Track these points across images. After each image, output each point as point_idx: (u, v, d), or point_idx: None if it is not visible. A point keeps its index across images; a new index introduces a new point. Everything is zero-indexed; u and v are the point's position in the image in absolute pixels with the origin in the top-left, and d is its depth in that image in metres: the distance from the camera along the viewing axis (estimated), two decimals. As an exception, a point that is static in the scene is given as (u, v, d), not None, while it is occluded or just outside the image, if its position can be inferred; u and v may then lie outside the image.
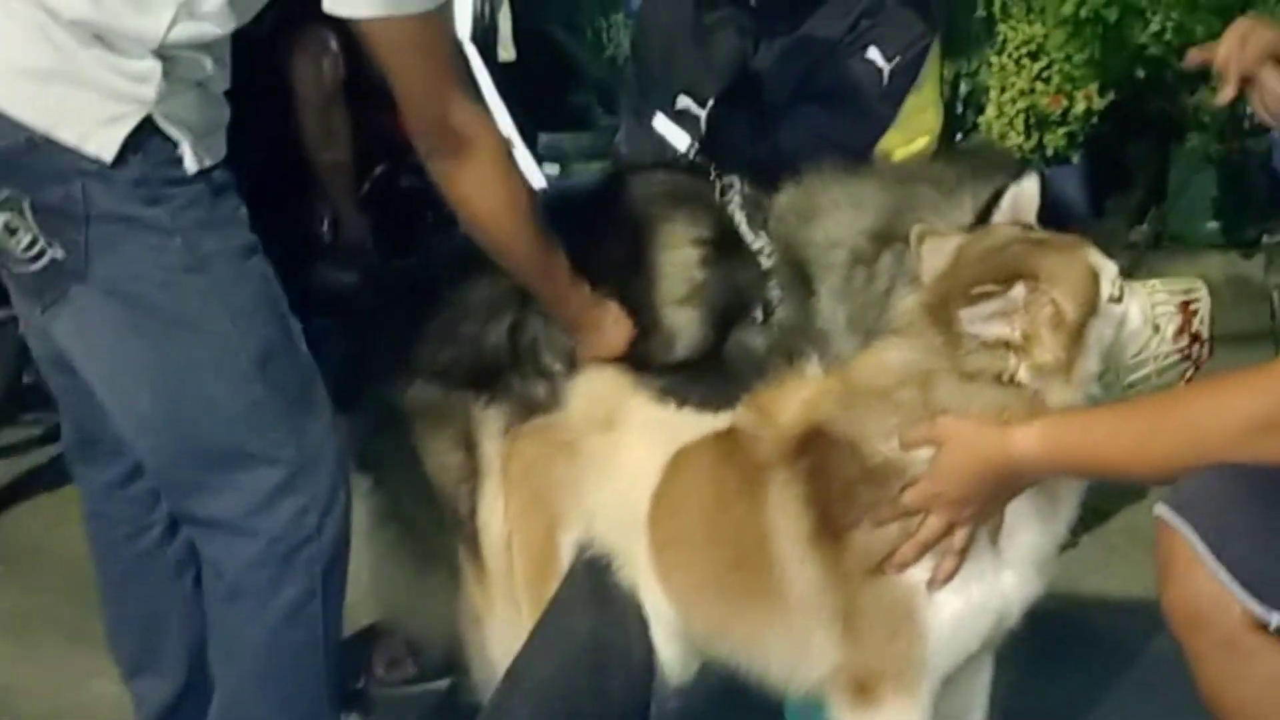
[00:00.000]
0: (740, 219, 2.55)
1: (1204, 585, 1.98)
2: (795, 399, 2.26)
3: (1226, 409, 1.99)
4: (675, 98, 2.94)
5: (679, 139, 2.75)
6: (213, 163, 2.24)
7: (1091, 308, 2.10)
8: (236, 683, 2.37)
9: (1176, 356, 2.16)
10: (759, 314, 2.52)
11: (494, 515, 2.52)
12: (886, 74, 2.90)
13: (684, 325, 2.52)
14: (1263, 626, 1.97)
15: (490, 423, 2.53)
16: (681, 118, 2.88)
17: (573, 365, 2.53)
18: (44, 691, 3.22)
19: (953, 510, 2.12)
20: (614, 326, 2.52)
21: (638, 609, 2.40)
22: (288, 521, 2.27)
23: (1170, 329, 2.16)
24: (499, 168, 2.35)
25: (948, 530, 2.13)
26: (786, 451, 2.22)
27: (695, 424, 2.38)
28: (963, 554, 2.14)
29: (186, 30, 2.16)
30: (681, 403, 2.43)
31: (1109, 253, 2.14)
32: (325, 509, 2.28)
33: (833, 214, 2.50)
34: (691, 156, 2.74)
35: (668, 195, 2.60)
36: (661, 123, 2.80)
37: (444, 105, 2.27)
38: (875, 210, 2.47)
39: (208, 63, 2.22)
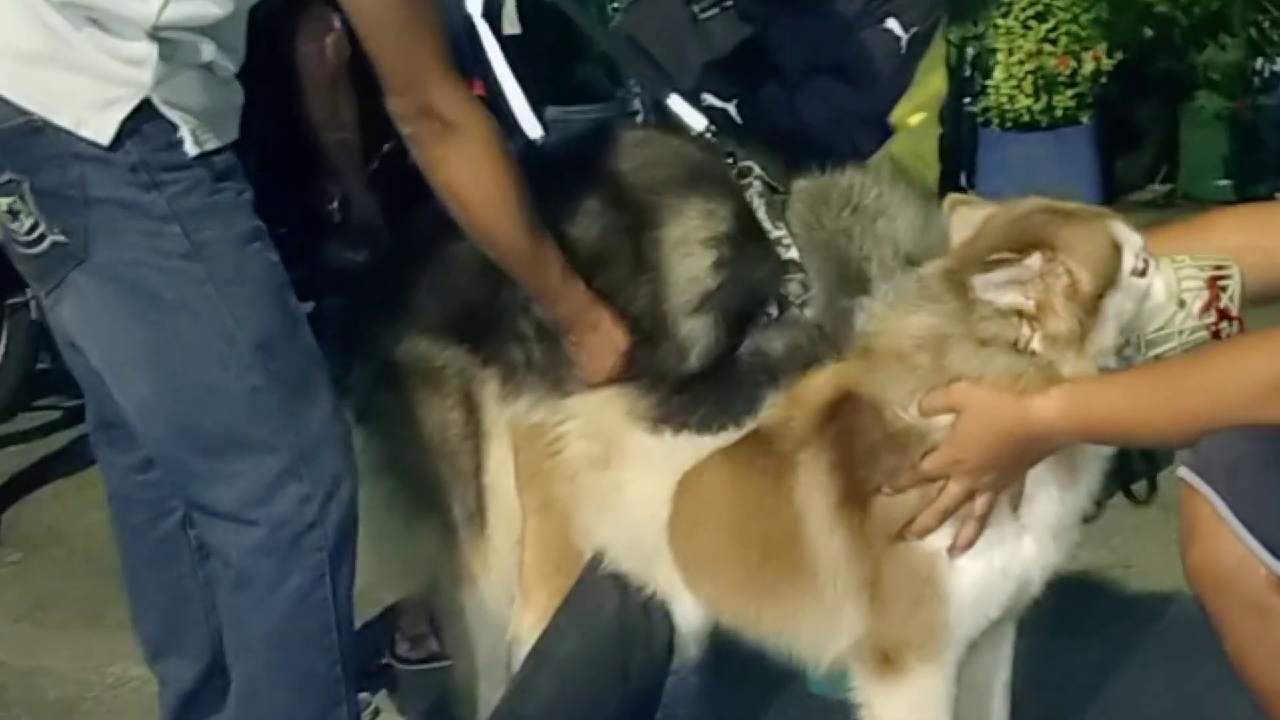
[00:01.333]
0: (759, 205, 2.42)
1: (1228, 548, 1.98)
2: (822, 377, 2.26)
3: (1244, 370, 1.99)
4: (698, 95, 2.88)
5: (695, 120, 2.59)
6: (217, 146, 2.22)
7: (1110, 280, 2.08)
8: (250, 670, 2.36)
9: (1203, 332, 2.13)
10: (774, 309, 2.39)
11: (503, 480, 2.48)
12: (904, 43, 2.87)
13: (697, 334, 2.37)
14: (1288, 588, 1.97)
15: (489, 383, 2.46)
16: (711, 113, 2.79)
17: (549, 334, 2.43)
18: (67, 676, 3.25)
19: (972, 477, 2.12)
20: (610, 331, 2.39)
21: None
22: (290, 509, 2.24)
23: (1197, 304, 2.12)
24: (487, 152, 2.25)
25: (968, 497, 2.12)
26: (816, 422, 2.22)
27: (694, 449, 2.34)
28: (983, 521, 2.14)
29: (181, 10, 2.13)
30: (679, 428, 2.36)
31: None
32: (328, 494, 2.26)
33: (920, 214, 2.38)
34: (708, 136, 2.58)
35: (677, 179, 2.45)
36: (677, 103, 2.64)
37: (428, 86, 2.19)
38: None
39: (208, 46, 2.19)
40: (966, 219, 2.20)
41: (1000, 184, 5.44)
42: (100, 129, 2.12)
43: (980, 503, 2.13)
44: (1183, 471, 2.01)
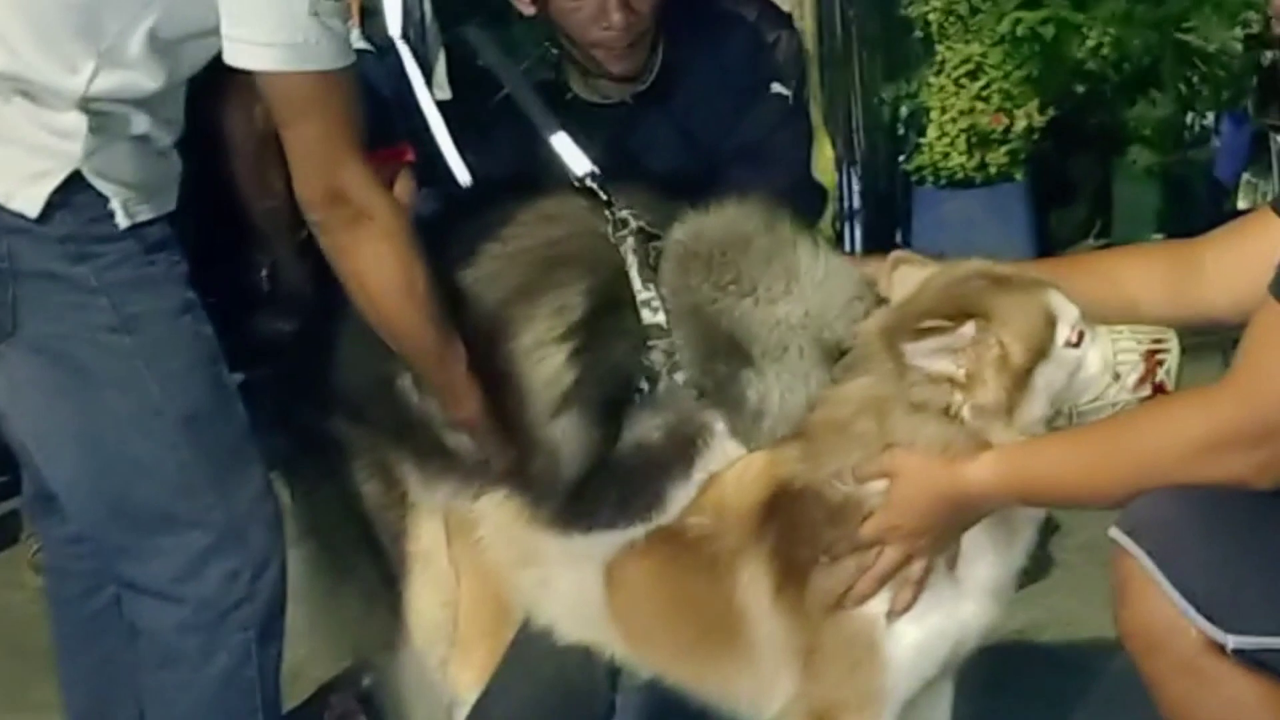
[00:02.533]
0: (632, 263, 2.28)
1: (1158, 608, 1.98)
2: (750, 474, 2.22)
3: (1173, 432, 2.00)
4: None
5: (579, 163, 2.46)
6: (151, 217, 2.21)
7: (1041, 353, 2.10)
8: None
9: (1136, 406, 2.13)
10: (644, 384, 2.26)
11: (435, 548, 2.45)
12: (791, 99, 2.81)
13: (562, 437, 2.26)
14: (1219, 648, 1.96)
15: (406, 462, 2.42)
16: None
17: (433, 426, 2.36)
18: (-12, 759, 3.18)
19: (908, 542, 2.12)
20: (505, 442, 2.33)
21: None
22: (217, 586, 2.23)
23: (1132, 378, 2.14)
24: (394, 244, 2.18)
25: (905, 561, 2.13)
26: (750, 526, 2.20)
27: (612, 539, 2.30)
28: (920, 584, 2.15)
29: (111, 81, 2.13)
30: (586, 530, 2.29)
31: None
32: (257, 571, 2.25)
33: (813, 293, 2.24)
34: (589, 182, 2.42)
35: (527, 281, 2.30)
36: (560, 142, 2.49)
37: (339, 172, 2.14)
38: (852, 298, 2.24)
39: (141, 119, 2.18)
40: (908, 277, 2.21)
41: (935, 241, 5.45)
42: (29, 202, 2.11)
43: (917, 566, 2.14)
44: (1113, 532, 2.02)
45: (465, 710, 2.48)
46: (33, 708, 3.23)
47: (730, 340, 2.21)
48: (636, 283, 2.27)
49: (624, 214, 2.31)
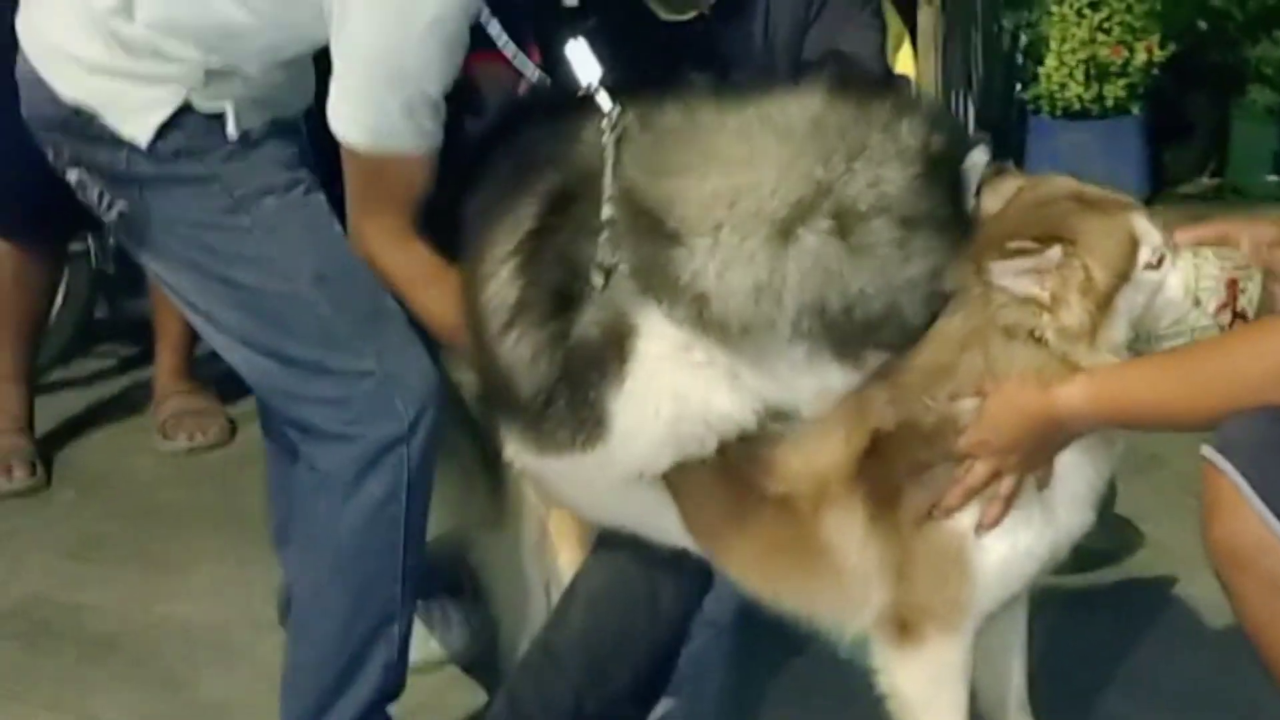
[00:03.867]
0: (609, 158, 2.22)
1: (1248, 526, 2.00)
2: (828, 433, 2.20)
3: (1265, 353, 2.01)
4: None
5: (588, 69, 2.38)
6: (264, 120, 2.38)
7: (1124, 276, 2.11)
8: (315, 573, 2.47)
9: (1215, 332, 2.14)
10: (598, 280, 2.18)
11: None
12: None
13: (514, 350, 2.24)
14: (1307, 567, 1.98)
15: None
16: None
17: None
18: (111, 612, 3.31)
19: (998, 458, 2.15)
20: None
21: None
22: (383, 427, 2.36)
23: (1212, 304, 2.14)
24: (407, 289, 2.39)
25: (994, 477, 2.16)
26: (844, 481, 2.20)
27: (609, 460, 2.24)
28: (1010, 501, 2.17)
29: (235, 77, 2.33)
30: (556, 449, 2.25)
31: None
32: (419, 413, 2.37)
33: (741, 171, 2.13)
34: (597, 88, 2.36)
35: (498, 206, 2.30)
36: (576, 49, 2.41)
37: (363, 220, 2.34)
38: (800, 171, 2.11)
39: (255, 68, 2.34)
40: (996, 189, 2.20)
41: (1049, 171, 5.41)
42: (139, 130, 2.31)
43: (1006, 483, 2.16)
44: (1206, 450, 2.04)
45: (560, 589, 2.56)
46: (156, 565, 3.41)
47: (654, 218, 2.14)
48: (607, 179, 2.22)
49: (617, 116, 2.27)
